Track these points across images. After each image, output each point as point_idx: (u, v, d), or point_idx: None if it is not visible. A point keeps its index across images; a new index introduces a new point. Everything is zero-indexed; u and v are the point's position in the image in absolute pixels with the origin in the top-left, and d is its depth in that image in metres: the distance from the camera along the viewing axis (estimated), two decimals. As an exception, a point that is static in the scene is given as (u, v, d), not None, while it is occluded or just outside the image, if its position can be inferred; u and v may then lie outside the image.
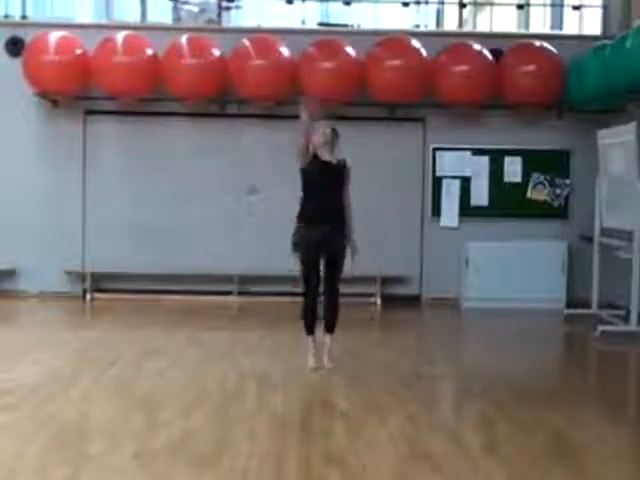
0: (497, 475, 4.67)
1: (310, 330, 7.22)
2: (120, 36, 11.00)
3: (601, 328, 9.31)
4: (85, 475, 4.53)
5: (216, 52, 11.00)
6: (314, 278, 7.11)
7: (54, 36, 10.99)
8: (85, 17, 13.74)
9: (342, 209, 7.12)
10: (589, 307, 10.59)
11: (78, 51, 11.00)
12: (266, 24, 12.04)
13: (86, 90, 11.18)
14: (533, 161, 11.60)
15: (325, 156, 7.09)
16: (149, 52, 11.01)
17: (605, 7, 11.87)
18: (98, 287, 11.48)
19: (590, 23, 12.50)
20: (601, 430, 5.73)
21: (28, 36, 11.18)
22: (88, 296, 11.27)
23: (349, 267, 7.17)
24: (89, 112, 11.45)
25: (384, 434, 5.43)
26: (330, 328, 7.22)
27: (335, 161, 7.12)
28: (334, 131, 7.13)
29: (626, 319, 9.53)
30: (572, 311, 10.74)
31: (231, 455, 4.92)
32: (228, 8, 12.53)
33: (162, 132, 11.55)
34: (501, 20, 14.87)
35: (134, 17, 12.30)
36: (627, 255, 9.51)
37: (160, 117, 11.50)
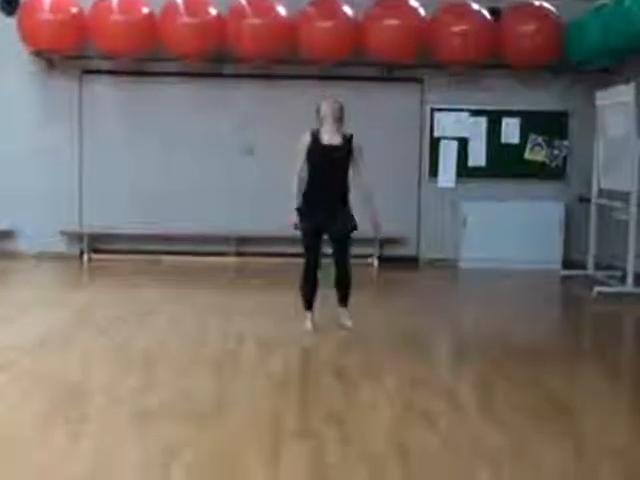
0: (492, 433, 4.71)
1: (308, 305, 7.20)
2: (116, -6, 10.90)
3: (597, 289, 9.34)
4: (83, 433, 4.57)
5: (213, 11, 10.90)
6: (312, 255, 7.04)
7: (49, -6, 10.89)
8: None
9: (343, 191, 6.98)
10: (585, 268, 10.63)
11: (73, 9, 10.90)
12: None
13: (82, 49, 11.10)
14: (531, 122, 11.58)
15: (326, 137, 6.93)
16: (145, 11, 10.92)
17: (605, -34, 11.76)
18: (95, 248, 11.50)
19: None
20: (596, 388, 5.78)
21: (23, -6, 11.08)
22: (85, 256, 11.29)
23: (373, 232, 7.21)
24: (85, 71, 11.38)
25: (381, 393, 5.48)
26: (343, 301, 7.22)
27: (339, 140, 6.94)
28: (342, 108, 7.00)
29: (622, 280, 9.57)
30: (568, 272, 10.79)
31: (229, 414, 4.96)
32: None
33: (159, 92, 11.49)
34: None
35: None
36: (624, 216, 9.53)
37: (157, 77, 11.45)
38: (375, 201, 7.12)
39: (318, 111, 7.02)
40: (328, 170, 6.93)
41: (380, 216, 7.17)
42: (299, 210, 7.00)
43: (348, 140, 6.98)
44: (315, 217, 6.94)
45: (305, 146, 6.95)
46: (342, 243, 7.08)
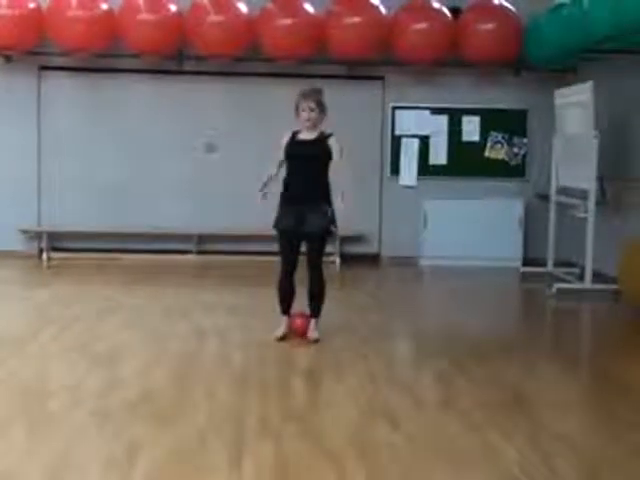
0: (453, 428, 4.74)
1: (283, 311, 6.89)
2: (75, -10, 10.78)
3: (556, 286, 9.45)
4: (43, 432, 4.52)
5: (173, 7, 10.84)
6: (287, 258, 6.73)
7: (6, -11, 10.75)
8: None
9: (319, 188, 6.67)
10: (545, 265, 10.73)
11: (31, 5, 10.77)
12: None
13: (40, 45, 10.97)
14: (491, 120, 11.67)
15: (302, 134, 6.72)
16: (104, 7, 10.82)
17: (564, -34, 11.86)
18: (55, 246, 11.38)
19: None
20: (554, 382, 5.85)
21: (-21, -11, 10.92)
22: (44, 255, 11.17)
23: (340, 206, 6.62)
24: (44, 68, 11.26)
25: (343, 391, 5.48)
26: (312, 312, 6.86)
27: (314, 137, 6.68)
28: (319, 104, 6.68)
29: (580, 277, 9.68)
30: (528, 269, 10.89)
31: (191, 413, 4.93)
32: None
33: (119, 89, 11.41)
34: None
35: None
36: (582, 214, 9.63)
37: (117, 73, 11.36)
38: (348, 198, 6.64)
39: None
40: (299, 166, 6.68)
41: (339, 212, 6.88)
42: (278, 210, 6.75)
43: (322, 140, 6.68)
44: (288, 216, 6.68)
45: (285, 143, 6.75)
46: (313, 243, 6.70)
